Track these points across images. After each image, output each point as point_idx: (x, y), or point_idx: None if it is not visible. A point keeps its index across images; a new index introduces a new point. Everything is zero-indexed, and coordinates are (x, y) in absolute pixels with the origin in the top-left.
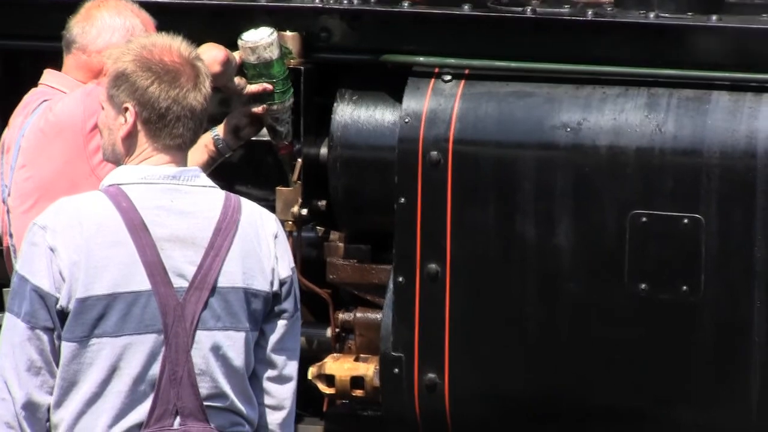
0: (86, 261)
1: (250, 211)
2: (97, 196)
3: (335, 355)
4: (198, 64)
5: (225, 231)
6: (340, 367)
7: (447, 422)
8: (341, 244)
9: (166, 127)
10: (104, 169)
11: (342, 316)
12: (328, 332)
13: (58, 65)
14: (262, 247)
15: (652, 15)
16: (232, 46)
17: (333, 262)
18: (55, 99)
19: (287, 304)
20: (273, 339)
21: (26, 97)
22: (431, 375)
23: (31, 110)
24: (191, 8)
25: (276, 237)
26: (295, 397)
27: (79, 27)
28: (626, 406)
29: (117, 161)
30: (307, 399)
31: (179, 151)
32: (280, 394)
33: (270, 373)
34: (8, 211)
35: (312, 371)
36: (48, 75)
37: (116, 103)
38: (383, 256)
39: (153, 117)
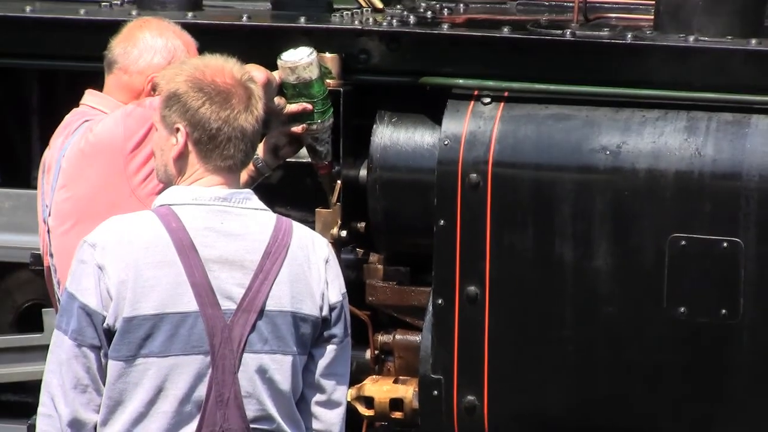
0: (134, 280)
1: (302, 235)
2: (148, 215)
3: (374, 377)
4: (250, 85)
5: (274, 254)
6: (379, 389)
7: None
8: (380, 266)
9: (217, 149)
10: (144, 190)
11: (381, 338)
12: (368, 354)
13: (97, 86)
14: (312, 272)
15: (691, 38)
16: (271, 66)
17: (372, 284)
18: (96, 119)
19: (337, 329)
20: (322, 364)
21: (67, 117)
22: (470, 397)
23: (72, 130)
24: (231, 29)
25: (327, 262)
26: (343, 422)
27: (120, 47)
28: (664, 429)
29: (169, 182)
30: (346, 421)
31: (230, 173)
32: (329, 419)
33: (318, 397)
34: (49, 231)
35: (351, 393)
36: (89, 95)
37: (168, 123)
38: (422, 278)
39: (204, 138)
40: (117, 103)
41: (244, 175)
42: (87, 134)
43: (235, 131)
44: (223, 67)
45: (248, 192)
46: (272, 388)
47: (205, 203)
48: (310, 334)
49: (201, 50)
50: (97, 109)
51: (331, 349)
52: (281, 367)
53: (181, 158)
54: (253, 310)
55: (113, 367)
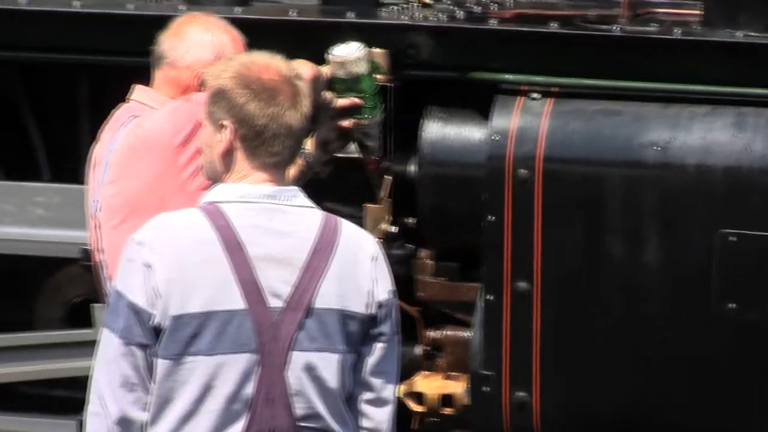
0: (181, 278)
1: (350, 232)
2: (195, 213)
3: (424, 372)
4: (297, 82)
5: (322, 252)
6: (430, 384)
7: None
8: (430, 262)
9: (263, 145)
10: (193, 185)
11: (431, 333)
12: (418, 350)
13: (145, 81)
14: (360, 270)
15: (740, 34)
16: (320, 62)
17: (422, 280)
18: (144, 115)
19: (385, 327)
20: (370, 361)
21: (115, 113)
22: (521, 393)
23: (120, 125)
24: (280, 24)
25: (375, 259)
26: (393, 420)
27: (168, 42)
28: (714, 426)
29: (216, 178)
30: (396, 416)
31: (277, 170)
32: (378, 417)
33: (367, 395)
34: (98, 227)
35: (402, 389)
36: (137, 91)
37: (214, 120)
38: (472, 273)
39: (250, 134)
40: (165, 98)
41: (293, 170)
42: (136, 130)
43: (281, 128)
44: (270, 63)
45: (295, 189)
46: (320, 386)
47: (252, 201)
48: (357, 332)
49: (249, 46)
50: (145, 104)
51: (379, 346)
52: (329, 365)
53: (228, 155)
54: (300, 308)
55: (161, 365)
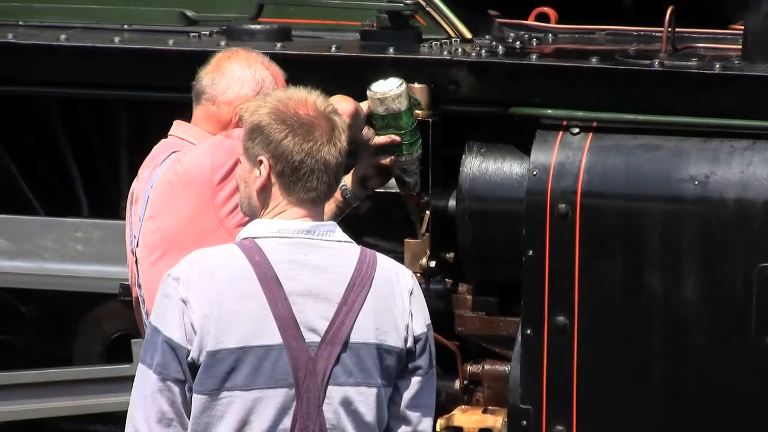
0: (218, 314)
1: (386, 266)
2: (231, 249)
3: (463, 407)
4: (334, 117)
5: (358, 286)
6: (469, 419)
7: None
8: (469, 296)
9: (300, 181)
10: (232, 221)
11: (470, 368)
12: (457, 384)
13: (185, 116)
14: (397, 304)
15: None
16: (360, 97)
17: (461, 314)
18: (184, 150)
19: (422, 361)
20: (407, 395)
21: (155, 148)
22: (559, 427)
23: (160, 161)
24: (320, 60)
25: (411, 293)
26: None
27: (208, 78)
28: None
29: (253, 214)
30: None
31: (314, 205)
32: None
33: (404, 429)
34: (137, 262)
35: (440, 423)
36: (177, 126)
37: (251, 155)
38: (511, 308)
39: (287, 170)
40: (205, 133)
41: (332, 206)
42: (175, 165)
43: (318, 163)
44: (307, 98)
45: (332, 224)
46: (357, 420)
47: (288, 236)
48: (394, 366)
49: (289, 81)
50: (185, 140)
51: (416, 380)
52: (366, 400)
53: (264, 190)
54: (337, 343)
55: (198, 400)
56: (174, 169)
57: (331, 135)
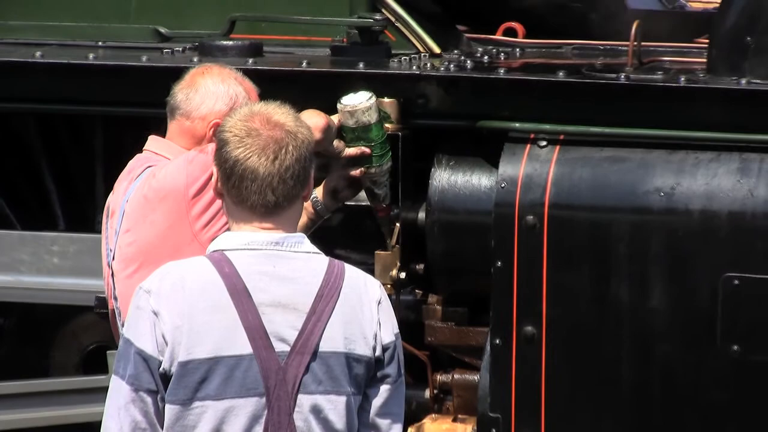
0: (189, 325)
1: (354, 277)
2: (201, 261)
3: (434, 415)
4: (292, 132)
5: (327, 297)
6: (439, 427)
7: None
8: (439, 307)
9: (234, 188)
10: (206, 235)
11: (440, 377)
12: (427, 393)
13: (159, 131)
14: (365, 313)
15: (743, 81)
16: (331, 111)
17: (431, 325)
18: (159, 165)
19: (390, 369)
20: (377, 403)
21: (130, 163)
22: None
23: (136, 176)
24: (291, 75)
25: (379, 303)
26: None
27: (183, 93)
28: None
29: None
30: None
31: (272, 216)
32: None
33: None
34: (113, 275)
35: (410, 431)
36: (152, 141)
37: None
38: (480, 318)
39: (223, 178)
40: (179, 148)
41: (303, 218)
42: (150, 180)
43: (245, 171)
44: (269, 112)
45: (300, 236)
46: (327, 427)
47: (257, 248)
48: (363, 375)
49: (262, 96)
50: (159, 155)
51: (385, 388)
52: (336, 407)
53: (223, 200)
54: (306, 352)
55: (170, 410)
56: (149, 183)
57: (275, 147)
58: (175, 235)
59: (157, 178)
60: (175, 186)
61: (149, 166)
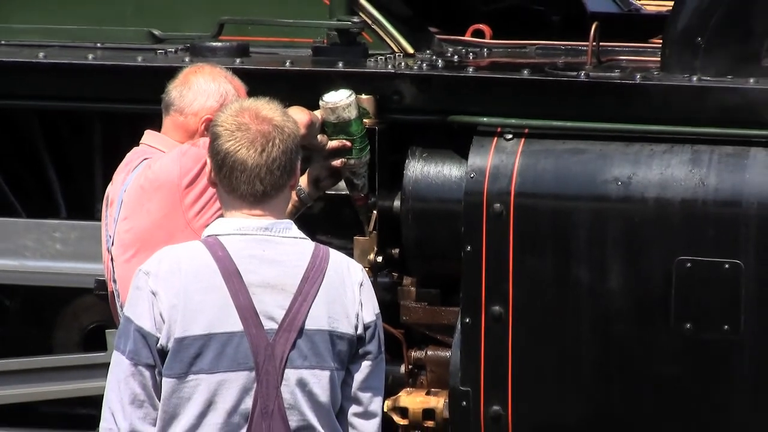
0: (184, 304)
1: (338, 260)
2: (197, 246)
3: (408, 389)
4: (279, 126)
5: (312, 279)
6: (413, 400)
7: None
8: (413, 289)
9: (226, 179)
10: (198, 222)
11: (414, 354)
12: (402, 368)
13: (154, 126)
14: (348, 294)
15: (694, 78)
16: (314, 106)
17: (406, 305)
18: (155, 158)
19: (371, 347)
20: (358, 378)
21: (128, 155)
22: (496, 407)
23: (133, 167)
24: (276, 74)
25: (361, 285)
26: (380, 431)
27: (176, 91)
28: None
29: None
30: (383, 429)
31: (261, 203)
32: (366, 429)
33: (356, 409)
34: (112, 260)
35: (387, 404)
36: (148, 135)
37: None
38: (451, 299)
39: (215, 168)
40: (173, 142)
41: (288, 206)
42: (146, 171)
43: (236, 162)
44: (257, 107)
45: (288, 222)
46: (312, 400)
47: (248, 233)
48: (346, 351)
49: (250, 93)
50: (155, 148)
51: (366, 364)
52: (320, 381)
53: (216, 188)
54: (293, 330)
55: (167, 383)
56: (145, 175)
57: (262, 140)
58: (169, 222)
59: (152, 170)
60: (169, 177)
61: (146, 159)
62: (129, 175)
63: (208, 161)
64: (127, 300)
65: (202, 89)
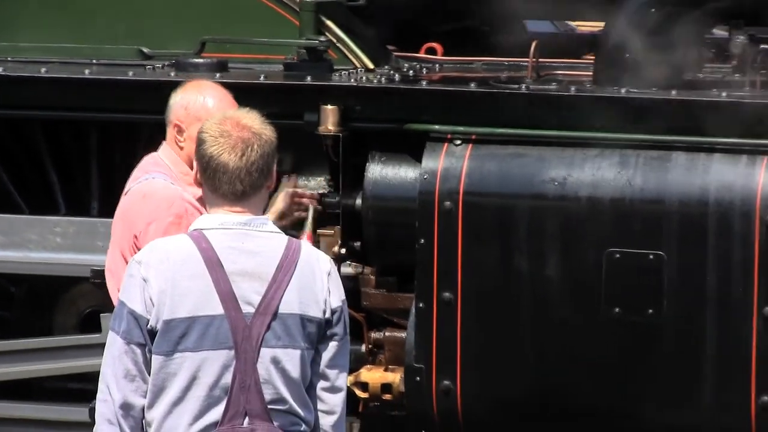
0: (172, 290)
1: (308, 252)
2: (183, 238)
3: (369, 366)
4: (258, 134)
5: (286, 268)
6: (373, 376)
7: (459, 421)
8: (373, 277)
9: (210, 179)
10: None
11: (374, 335)
12: (363, 348)
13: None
14: (317, 282)
15: (623, 90)
16: (285, 114)
17: (366, 292)
18: (137, 188)
19: (338, 329)
20: (326, 357)
21: (138, 168)
22: (446, 382)
23: (126, 190)
24: (251, 87)
25: (329, 274)
26: (344, 403)
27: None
28: (605, 406)
29: None
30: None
31: (241, 201)
32: (332, 402)
33: (324, 384)
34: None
35: (350, 380)
36: (161, 147)
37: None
38: (407, 286)
39: (200, 169)
40: (176, 157)
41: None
42: (124, 201)
43: (219, 165)
44: (240, 117)
45: (265, 218)
46: (285, 376)
47: (229, 227)
48: (315, 333)
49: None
50: (161, 163)
51: (333, 345)
52: (292, 359)
53: (201, 188)
54: (268, 313)
55: (156, 360)
56: (123, 205)
57: (242, 146)
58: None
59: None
60: (133, 221)
61: (148, 172)
62: (127, 190)
63: (195, 164)
64: (121, 286)
65: (175, 102)
